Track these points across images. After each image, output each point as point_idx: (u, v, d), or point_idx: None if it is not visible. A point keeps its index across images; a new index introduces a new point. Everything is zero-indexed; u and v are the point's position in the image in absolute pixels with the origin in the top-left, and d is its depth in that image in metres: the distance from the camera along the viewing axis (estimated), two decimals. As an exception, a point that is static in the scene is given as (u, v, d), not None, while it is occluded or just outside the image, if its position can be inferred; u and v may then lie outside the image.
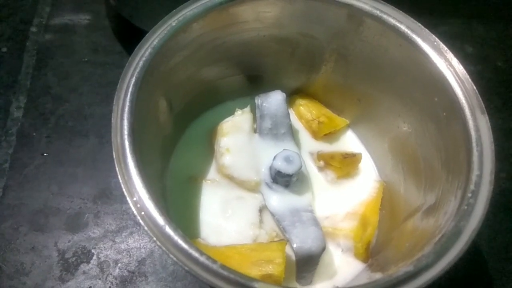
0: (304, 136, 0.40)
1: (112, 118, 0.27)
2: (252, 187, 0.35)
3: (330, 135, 0.40)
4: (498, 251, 0.40)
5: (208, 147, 0.38)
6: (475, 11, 0.55)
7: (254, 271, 0.30)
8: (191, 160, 0.37)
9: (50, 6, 0.51)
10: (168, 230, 0.24)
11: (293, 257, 0.32)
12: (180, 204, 0.35)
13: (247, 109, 0.38)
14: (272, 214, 0.34)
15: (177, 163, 0.37)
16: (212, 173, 0.37)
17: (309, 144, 0.40)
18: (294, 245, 0.32)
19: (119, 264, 0.37)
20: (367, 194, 0.37)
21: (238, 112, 0.37)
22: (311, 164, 0.38)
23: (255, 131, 0.37)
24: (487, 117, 0.28)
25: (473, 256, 0.40)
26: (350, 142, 0.40)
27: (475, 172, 0.27)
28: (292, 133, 0.38)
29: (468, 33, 0.53)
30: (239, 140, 0.36)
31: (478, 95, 0.29)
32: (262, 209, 0.35)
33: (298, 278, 0.33)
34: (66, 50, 0.48)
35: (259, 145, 0.37)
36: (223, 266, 0.23)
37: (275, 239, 0.34)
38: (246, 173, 0.35)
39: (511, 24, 0.54)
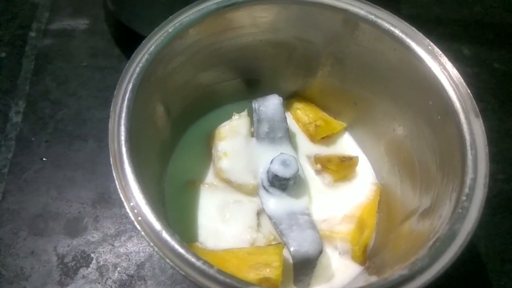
0: (301, 139, 0.40)
1: (109, 124, 0.28)
2: (250, 191, 0.36)
3: (327, 138, 0.40)
4: (496, 253, 0.40)
5: (205, 151, 0.38)
6: (472, 13, 0.55)
7: (251, 275, 0.30)
8: (189, 164, 0.38)
9: (48, 11, 0.51)
10: (165, 235, 0.24)
11: (291, 260, 0.32)
12: (178, 208, 0.35)
13: (245, 113, 0.38)
14: (270, 218, 0.34)
15: (175, 167, 0.37)
16: (210, 177, 0.37)
17: (306, 147, 0.40)
18: (291, 249, 0.32)
19: (118, 268, 0.38)
20: (364, 197, 0.38)
21: (235, 116, 0.37)
22: (308, 167, 0.38)
23: (252, 135, 0.38)
24: (481, 120, 0.29)
25: (471, 257, 0.40)
26: (347, 145, 0.41)
27: (469, 175, 0.27)
28: (289, 137, 0.38)
29: (465, 35, 0.53)
30: (236, 144, 0.36)
31: (472, 98, 0.29)
32: (260, 212, 0.36)
33: (295, 281, 0.33)
34: (64, 54, 0.48)
35: (257, 149, 0.37)
36: (220, 271, 0.23)
37: (273, 243, 0.34)
38: (243, 177, 0.35)
39: (508, 25, 0.54)
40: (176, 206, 0.36)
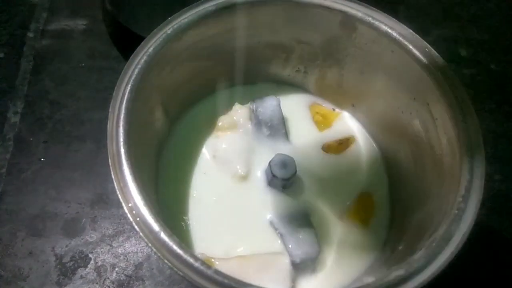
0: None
1: (108, 126, 0.28)
2: (239, 178, 0.36)
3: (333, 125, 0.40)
4: (492, 254, 0.41)
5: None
6: (469, 14, 0.55)
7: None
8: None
9: (47, 12, 0.51)
10: (163, 236, 0.24)
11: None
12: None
13: (245, 105, 0.38)
14: (272, 222, 0.34)
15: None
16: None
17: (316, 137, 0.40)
18: (291, 259, 0.32)
19: (116, 269, 0.38)
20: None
21: (236, 107, 0.38)
22: (325, 155, 0.38)
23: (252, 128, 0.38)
24: (478, 122, 0.29)
25: (466, 258, 0.40)
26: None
27: (466, 177, 0.27)
28: (288, 137, 0.38)
29: (462, 36, 0.53)
30: (235, 136, 0.37)
31: (469, 100, 0.30)
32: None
33: None
34: (63, 55, 0.48)
35: (255, 148, 0.37)
36: (218, 271, 0.24)
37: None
38: (237, 165, 0.36)
39: (504, 27, 0.55)
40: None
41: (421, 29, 0.32)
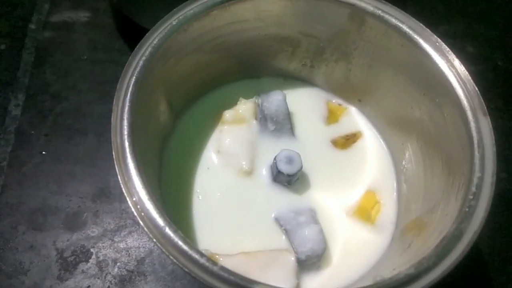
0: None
1: (112, 118, 0.27)
2: (247, 173, 0.35)
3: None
4: (498, 252, 0.40)
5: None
6: (476, 10, 0.55)
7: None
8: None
9: (49, 3, 0.50)
10: (168, 231, 0.24)
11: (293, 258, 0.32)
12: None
13: (252, 99, 0.38)
14: (276, 219, 0.34)
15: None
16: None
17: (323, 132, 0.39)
18: (296, 255, 0.32)
19: (118, 263, 0.37)
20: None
21: (241, 101, 0.37)
22: (332, 151, 0.38)
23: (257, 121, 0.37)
24: (489, 119, 0.28)
25: (473, 256, 0.40)
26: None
27: (476, 174, 0.27)
28: (294, 132, 0.38)
29: (469, 32, 0.53)
30: (240, 130, 0.36)
31: (480, 97, 0.29)
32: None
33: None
34: (65, 47, 0.47)
35: (260, 144, 0.37)
36: (223, 268, 0.23)
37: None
38: (242, 160, 0.36)
39: (512, 23, 0.54)
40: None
41: (428, 24, 0.32)
